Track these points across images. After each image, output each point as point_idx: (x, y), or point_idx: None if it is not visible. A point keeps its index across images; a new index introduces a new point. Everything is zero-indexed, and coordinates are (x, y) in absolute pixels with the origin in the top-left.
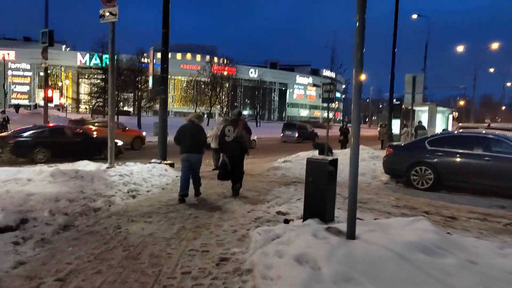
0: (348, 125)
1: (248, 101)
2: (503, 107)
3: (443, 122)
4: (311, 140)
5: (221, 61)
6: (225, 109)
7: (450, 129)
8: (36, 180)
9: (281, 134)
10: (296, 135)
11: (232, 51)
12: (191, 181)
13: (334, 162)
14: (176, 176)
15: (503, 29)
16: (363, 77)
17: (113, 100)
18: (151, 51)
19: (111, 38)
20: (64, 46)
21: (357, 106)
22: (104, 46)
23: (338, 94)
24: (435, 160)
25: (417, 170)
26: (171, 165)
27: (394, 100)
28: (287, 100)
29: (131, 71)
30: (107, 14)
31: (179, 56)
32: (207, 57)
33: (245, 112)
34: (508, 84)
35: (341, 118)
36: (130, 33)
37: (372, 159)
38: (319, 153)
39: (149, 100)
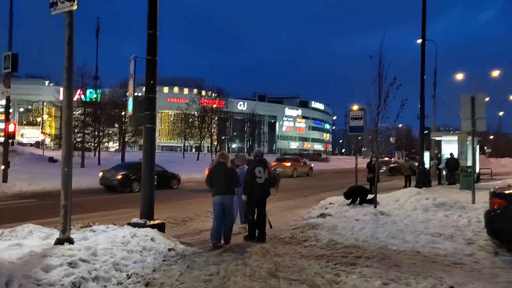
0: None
1: (236, 134)
2: (491, 136)
3: (470, 153)
4: None
5: (209, 94)
6: (215, 143)
7: (478, 161)
8: None
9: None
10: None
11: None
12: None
13: None
14: (169, 250)
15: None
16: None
17: (69, 130)
18: (131, 61)
19: (67, 35)
20: (47, 82)
21: None
22: (84, 76)
23: (327, 126)
24: None
25: None
26: (160, 227)
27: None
28: (277, 133)
29: (114, 105)
30: (61, 0)
31: (165, 89)
32: (195, 90)
33: (233, 146)
34: (500, 113)
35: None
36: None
37: (439, 209)
38: (356, 202)
39: (133, 132)
